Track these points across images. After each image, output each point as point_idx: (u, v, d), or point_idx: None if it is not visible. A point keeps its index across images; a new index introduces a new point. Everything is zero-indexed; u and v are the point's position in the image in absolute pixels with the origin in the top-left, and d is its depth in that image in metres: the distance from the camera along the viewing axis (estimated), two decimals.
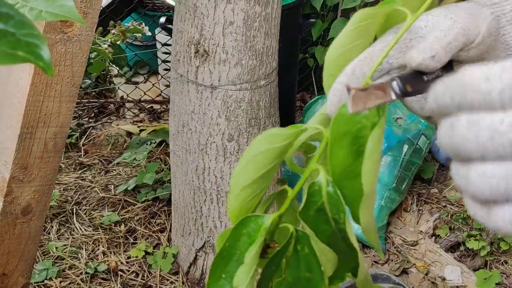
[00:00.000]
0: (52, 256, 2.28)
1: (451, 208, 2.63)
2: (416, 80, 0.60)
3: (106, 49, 2.33)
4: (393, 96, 0.57)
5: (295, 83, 2.93)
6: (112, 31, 2.54)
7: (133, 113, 3.34)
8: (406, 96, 0.59)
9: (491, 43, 0.64)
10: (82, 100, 3.29)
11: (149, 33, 3.00)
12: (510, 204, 0.45)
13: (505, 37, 0.67)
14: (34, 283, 2.17)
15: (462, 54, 0.64)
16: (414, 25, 0.63)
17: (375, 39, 0.64)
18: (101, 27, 2.58)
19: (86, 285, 2.18)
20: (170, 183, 2.30)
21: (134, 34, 2.79)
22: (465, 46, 0.62)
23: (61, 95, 1.34)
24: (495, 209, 0.45)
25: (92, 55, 2.59)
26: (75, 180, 2.71)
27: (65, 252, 2.30)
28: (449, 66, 0.65)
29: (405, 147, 2.54)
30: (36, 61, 0.48)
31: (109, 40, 2.44)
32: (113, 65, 3.15)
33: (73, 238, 2.38)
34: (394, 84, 0.58)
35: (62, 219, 2.48)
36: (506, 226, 0.45)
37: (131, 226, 2.45)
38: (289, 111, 2.87)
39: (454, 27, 0.60)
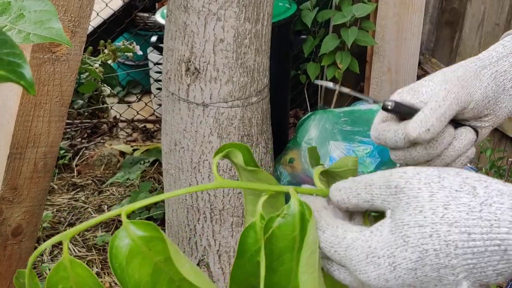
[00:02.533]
0: (45, 277, 2.26)
1: None
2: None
3: (96, 68, 2.33)
4: (388, 103, 0.66)
5: (288, 99, 2.93)
6: (103, 51, 2.54)
7: (126, 132, 3.33)
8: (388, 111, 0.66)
9: (491, 101, 0.68)
10: (75, 121, 3.28)
11: (140, 52, 3.00)
12: None
13: None
14: None
15: (458, 117, 0.68)
16: (417, 89, 0.67)
17: None
18: (91, 47, 2.58)
19: None
20: (164, 202, 2.28)
21: (126, 54, 2.79)
22: (460, 112, 0.66)
23: (50, 114, 1.33)
24: None
25: (84, 76, 2.59)
26: (68, 201, 2.69)
27: None
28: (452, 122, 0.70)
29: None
30: (18, 80, 0.47)
31: (100, 59, 2.44)
32: (105, 85, 3.15)
33: None
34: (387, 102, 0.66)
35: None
36: None
37: None
38: (282, 127, 2.87)
39: (447, 98, 0.64)
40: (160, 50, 2.65)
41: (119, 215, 0.55)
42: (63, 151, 3.01)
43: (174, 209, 2.14)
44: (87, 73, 2.59)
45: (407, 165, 0.65)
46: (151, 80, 3.45)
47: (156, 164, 2.86)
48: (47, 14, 0.58)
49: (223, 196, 2.03)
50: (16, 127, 1.29)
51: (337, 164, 0.62)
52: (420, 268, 0.49)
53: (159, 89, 3.40)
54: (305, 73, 2.98)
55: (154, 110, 3.46)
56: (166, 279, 0.55)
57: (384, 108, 0.67)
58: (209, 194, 2.04)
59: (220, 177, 0.58)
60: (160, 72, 3.26)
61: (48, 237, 2.47)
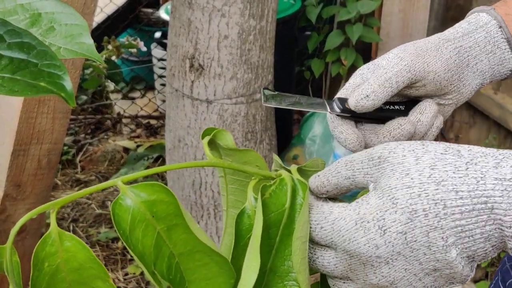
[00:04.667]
0: None
1: None
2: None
3: (100, 64, 2.32)
4: (329, 110, 0.65)
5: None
6: (107, 47, 2.53)
7: (130, 128, 3.33)
8: (348, 114, 0.64)
9: (454, 76, 0.67)
10: (79, 116, 3.28)
11: (144, 48, 3.00)
12: None
13: (478, 65, 0.68)
14: None
15: (414, 91, 0.67)
16: (378, 62, 0.66)
17: None
18: (95, 43, 2.57)
19: None
20: None
21: (130, 50, 2.78)
22: (413, 83, 0.65)
23: (54, 111, 1.32)
24: None
25: (88, 71, 2.59)
26: None
27: None
28: (413, 102, 0.69)
29: None
30: (58, 92, 0.47)
31: (104, 55, 2.43)
32: (109, 81, 3.14)
33: None
34: (334, 103, 0.65)
35: None
36: None
37: None
38: (286, 124, 2.86)
39: (398, 64, 0.63)
40: (164, 46, 2.64)
41: None
42: (67, 147, 3.01)
43: None
44: (91, 69, 2.58)
45: None
46: (155, 76, 3.44)
47: (160, 160, 2.85)
48: (79, 28, 0.55)
49: None
50: (20, 123, 1.28)
51: (308, 164, 0.61)
52: (410, 232, 0.48)
53: (163, 85, 3.39)
54: (310, 70, 2.98)
55: (158, 106, 3.45)
56: (167, 253, 0.52)
57: (344, 111, 0.65)
58: (213, 191, 2.03)
59: (212, 156, 0.57)
60: (164, 68, 3.25)
61: None
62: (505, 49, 0.70)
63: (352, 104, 0.63)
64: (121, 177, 0.52)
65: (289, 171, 0.58)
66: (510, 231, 0.46)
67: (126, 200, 0.51)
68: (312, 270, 0.56)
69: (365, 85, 0.63)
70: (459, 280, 0.50)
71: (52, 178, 1.41)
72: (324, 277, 0.58)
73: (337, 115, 0.66)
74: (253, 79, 1.93)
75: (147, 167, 2.81)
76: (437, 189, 0.48)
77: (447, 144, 0.51)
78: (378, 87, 0.62)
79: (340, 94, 0.67)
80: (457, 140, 2.97)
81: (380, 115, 0.67)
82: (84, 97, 3.32)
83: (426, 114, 0.67)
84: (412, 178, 0.49)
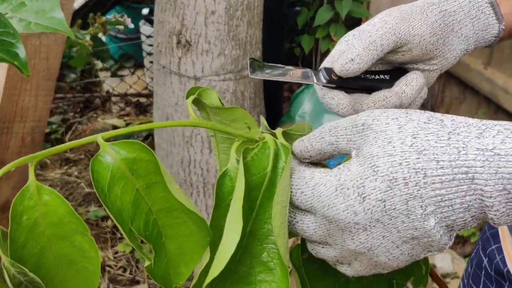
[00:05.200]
0: None
1: None
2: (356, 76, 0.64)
3: (86, 42, 2.30)
4: (315, 80, 0.64)
5: None
6: (93, 24, 2.50)
7: (119, 107, 3.31)
8: (334, 84, 0.64)
9: (440, 40, 0.66)
10: (67, 95, 3.26)
11: (131, 25, 2.97)
12: None
13: (462, 30, 0.68)
14: None
15: (400, 56, 0.66)
16: (363, 28, 0.66)
17: None
18: (80, 20, 2.54)
19: None
20: None
21: (117, 27, 2.75)
22: (399, 47, 0.64)
23: (37, 88, 1.30)
24: None
25: (75, 49, 2.56)
26: (61, 176, 2.68)
27: None
28: (398, 71, 0.68)
29: None
30: (11, 60, 0.45)
31: (90, 33, 2.40)
32: (96, 58, 3.12)
33: None
34: (320, 72, 0.64)
35: None
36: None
37: None
38: (276, 101, 2.84)
39: (382, 28, 0.63)
40: (152, 23, 2.61)
41: None
42: (56, 125, 2.99)
43: None
44: (78, 47, 2.55)
45: None
46: (144, 54, 3.41)
47: (149, 139, 2.84)
48: (50, 4, 0.55)
49: (216, 171, 2.02)
50: (3, 100, 1.27)
51: (294, 128, 0.60)
52: (389, 200, 0.48)
53: (152, 62, 3.36)
54: (300, 46, 2.96)
55: (147, 84, 3.43)
56: (145, 209, 0.52)
57: (330, 82, 0.64)
58: (201, 169, 2.02)
59: (195, 115, 0.56)
60: (152, 45, 3.22)
61: None
62: (489, 14, 0.69)
63: (337, 69, 0.62)
64: (102, 134, 0.51)
65: (274, 135, 0.58)
66: (490, 201, 0.46)
67: (106, 157, 0.50)
68: (292, 234, 0.55)
69: (350, 49, 0.62)
70: (436, 249, 0.50)
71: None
72: (304, 241, 0.58)
73: (324, 85, 0.65)
74: (241, 56, 1.91)
75: None
76: (418, 158, 0.48)
77: (431, 113, 0.51)
78: (363, 50, 0.62)
79: (326, 61, 0.66)
80: None
81: (365, 85, 0.66)
82: (73, 76, 3.29)
83: (412, 86, 0.66)
84: (394, 147, 0.49)
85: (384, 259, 0.51)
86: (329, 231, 0.52)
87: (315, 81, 0.65)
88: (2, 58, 0.44)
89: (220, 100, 0.58)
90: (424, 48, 0.66)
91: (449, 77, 2.90)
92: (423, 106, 2.95)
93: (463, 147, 0.47)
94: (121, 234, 2.37)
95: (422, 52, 0.66)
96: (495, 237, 0.90)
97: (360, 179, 0.49)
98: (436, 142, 0.48)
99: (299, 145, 0.56)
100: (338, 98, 0.64)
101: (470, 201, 0.47)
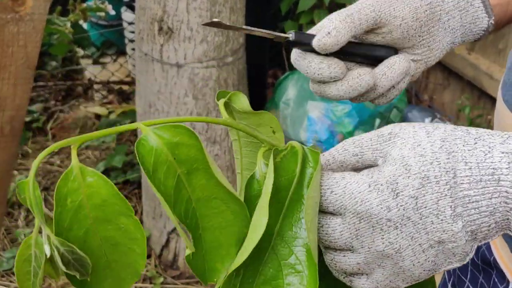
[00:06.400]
0: (20, 243, 2.23)
1: None
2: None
3: (66, 29, 2.26)
4: (288, 35, 0.63)
5: (265, 59, 2.88)
6: (73, 11, 2.47)
7: (101, 94, 3.27)
8: (301, 46, 0.63)
9: (423, 27, 0.66)
10: (48, 83, 3.21)
11: (113, 12, 2.93)
12: None
13: (450, 22, 0.68)
14: (2, 270, 2.12)
15: (380, 38, 0.65)
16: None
17: None
18: (60, 7, 2.50)
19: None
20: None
21: (98, 14, 2.71)
22: (378, 26, 0.64)
23: (16, 77, 1.28)
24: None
25: (55, 36, 2.52)
26: (43, 165, 2.65)
27: None
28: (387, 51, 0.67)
29: (377, 121, 2.52)
30: None
31: (70, 20, 2.37)
32: (77, 46, 3.07)
33: None
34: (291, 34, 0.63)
35: None
36: None
37: None
38: (260, 88, 2.83)
39: (362, 3, 0.63)
40: (134, 9, 2.58)
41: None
42: (37, 114, 2.95)
43: None
44: (58, 34, 2.52)
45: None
46: (126, 40, 3.37)
47: None
48: None
49: None
50: None
51: (233, 99, 0.60)
52: (421, 197, 0.49)
53: (135, 49, 3.33)
54: (283, 32, 2.93)
55: (130, 71, 3.39)
56: (185, 197, 0.52)
57: (288, 42, 0.63)
58: None
59: (227, 115, 0.56)
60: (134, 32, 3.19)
61: None
62: (478, 7, 0.69)
63: (315, 44, 0.61)
64: (143, 122, 0.51)
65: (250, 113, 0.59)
66: None
67: (150, 140, 0.50)
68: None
69: (327, 22, 0.62)
70: (458, 258, 0.51)
71: (17, 146, 1.37)
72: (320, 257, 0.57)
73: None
74: (224, 42, 1.89)
75: (119, 134, 2.77)
76: (448, 159, 0.49)
77: (455, 126, 0.53)
78: (340, 22, 0.61)
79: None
80: (431, 101, 2.96)
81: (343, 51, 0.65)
82: (54, 63, 3.25)
83: (394, 69, 0.66)
84: (424, 148, 0.50)
85: (409, 264, 0.51)
86: (357, 231, 0.52)
87: (281, 38, 0.64)
88: None
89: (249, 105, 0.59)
90: (405, 32, 0.65)
91: None
92: (407, 92, 2.95)
93: (489, 151, 0.49)
94: None
95: (404, 35, 0.65)
96: None
97: (393, 176, 0.50)
98: (463, 145, 0.50)
99: (320, 158, 0.56)
100: (327, 60, 0.63)
101: (495, 204, 0.48)
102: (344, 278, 0.55)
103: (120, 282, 0.54)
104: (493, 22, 0.70)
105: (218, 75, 1.91)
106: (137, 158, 0.50)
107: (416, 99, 3.00)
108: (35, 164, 0.50)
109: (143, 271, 0.53)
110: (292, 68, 3.10)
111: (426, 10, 0.66)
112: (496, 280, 0.84)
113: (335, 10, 0.63)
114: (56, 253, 0.49)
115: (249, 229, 0.52)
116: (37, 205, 0.49)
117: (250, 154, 0.62)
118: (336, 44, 0.61)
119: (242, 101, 0.59)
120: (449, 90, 2.86)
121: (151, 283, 2.14)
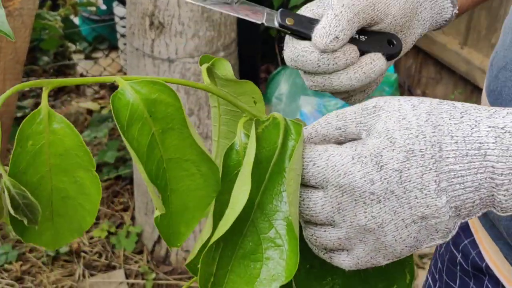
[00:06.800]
0: (11, 239, 2.22)
1: None
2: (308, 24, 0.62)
3: (56, 23, 2.24)
4: (263, 20, 0.62)
5: (258, 54, 2.87)
6: (66, 6, 2.45)
7: (93, 89, 3.26)
8: (286, 30, 0.62)
9: (406, 23, 0.66)
10: (40, 78, 3.20)
11: (103, 6, 2.91)
12: None
13: (422, 13, 0.68)
14: None
15: (373, 28, 0.65)
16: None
17: None
18: (50, 1, 2.48)
19: (48, 268, 2.12)
20: (132, 161, 2.24)
21: (89, 8, 2.69)
22: (375, 25, 0.63)
23: (5, 72, 1.27)
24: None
25: (46, 31, 2.50)
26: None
27: None
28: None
29: None
30: None
31: (60, 14, 2.35)
32: (68, 41, 3.06)
33: None
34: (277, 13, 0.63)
35: None
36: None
37: None
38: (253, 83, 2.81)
39: (363, 1, 0.61)
40: (125, 4, 2.57)
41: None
42: (28, 109, 2.93)
43: None
44: (49, 29, 2.50)
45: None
46: (118, 35, 3.36)
47: None
48: None
49: None
50: None
51: (217, 66, 0.60)
52: (406, 171, 0.48)
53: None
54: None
55: (122, 66, 3.38)
56: (157, 157, 0.50)
57: (284, 26, 0.61)
58: None
59: (209, 81, 0.54)
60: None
61: None
62: None
63: (321, 47, 0.60)
64: (121, 76, 0.49)
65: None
66: (501, 179, 0.46)
67: (126, 94, 0.48)
68: None
69: (334, 22, 0.60)
70: (441, 235, 0.50)
71: (6, 142, 1.36)
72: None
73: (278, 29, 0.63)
74: (216, 37, 1.88)
75: (111, 129, 2.76)
76: (434, 132, 0.48)
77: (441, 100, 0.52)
78: (347, 23, 0.60)
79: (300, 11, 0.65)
80: (424, 95, 2.96)
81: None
82: (46, 58, 3.23)
83: (365, 69, 0.64)
84: (409, 121, 0.49)
85: (391, 239, 0.50)
86: (339, 205, 0.50)
87: (263, 21, 0.63)
88: None
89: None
90: (393, 29, 0.65)
91: (426, 57, 2.89)
92: (400, 86, 2.95)
93: (475, 125, 0.48)
94: (97, 219, 2.34)
95: (389, 29, 0.65)
96: (466, 230, 0.88)
97: (378, 149, 0.49)
98: (449, 119, 0.49)
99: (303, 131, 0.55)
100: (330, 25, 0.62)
101: (481, 179, 0.47)
102: (324, 254, 0.54)
103: (60, 237, 0.52)
104: (456, 12, 0.70)
105: None
106: (112, 111, 0.48)
107: (409, 94, 3.00)
108: (3, 96, 0.48)
109: (87, 229, 0.52)
110: (284, 63, 3.09)
111: (410, 6, 0.65)
112: (489, 286, 0.83)
113: None
114: (6, 194, 0.47)
115: (230, 200, 0.50)
116: None
117: (229, 122, 0.61)
118: (341, 45, 0.61)
119: (226, 68, 0.57)
120: (442, 85, 2.86)
121: (143, 279, 2.13)
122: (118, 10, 3.21)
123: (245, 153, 0.52)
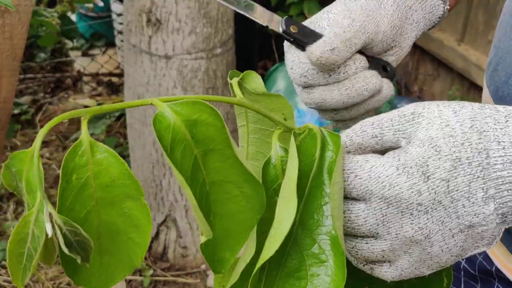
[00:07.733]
0: (9, 236, 2.22)
1: None
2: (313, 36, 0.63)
3: (54, 20, 2.24)
4: (270, 25, 0.65)
5: (255, 50, 2.87)
6: (63, 3, 2.44)
7: (91, 86, 3.26)
8: (288, 37, 0.63)
9: (398, 31, 0.65)
10: (37, 75, 3.19)
11: (101, 3, 2.91)
12: None
13: (413, 16, 0.68)
14: None
15: (367, 53, 0.65)
16: (317, 23, 0.64)
17: None
18: None
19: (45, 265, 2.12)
20: (129, 157, 2.24)
21: (86, 5, 2.69)
22: (369, 44, 0.64)
23: (2, 69, 1.27)
24: None
25: (44, 28, 2.50)
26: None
27: None
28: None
29: None
30: None
31: (57, 11, 2.35)
32: (65, 38, 3.06)
33: None
34: (282, 19, 0.64)
35: (19, 198, 2.41)
36: None
37: None
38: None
39: (353, 26, 0.62)
40: (122, 0, 2.57)
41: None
42: (26, 106, 2.93)
43: (140, 164, 2.10)
44: (46, 26, 2.50)
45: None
46: (115, 32, 3.35)
47: (122, 119, 2.80)
48: None
49: None
50: None
51: (247, 81, 0.58)
52: (453, 180, 0.47)
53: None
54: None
55: (119, 63, 3.38)
56: (200, 180, 0.48)
57: (287, 33, 0.63)
58: None
59: (242, 95, 0.53)
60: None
61: (12, 194, 2.42)
62: None
63: (316, 54, 0.61)
64: (157, 98, 0.48)
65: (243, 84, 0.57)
66: None
67: (166, 116, 0.47)
68: None
69: (325, 39, 0.61)
70: (486, 242, 0.49)
71: (3, 138, 1.35)
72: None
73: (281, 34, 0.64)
74: (213, 34, 1.88)
75: (109, 126, 2.76)
76: (480, 139, 0.47)
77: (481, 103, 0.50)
78: (341, 44, 0.61)
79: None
80: (421, 92, 2.96)
81: None
82: (43, 55, 3.23)
83: (357, 86, 0.64)
84: (453, 128, 0.48)
85: (437, 250, 0.49)
86: (384, 217, 0.49)
87: (268, 23, 0.65)
88: None
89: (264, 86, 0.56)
90: (385, 43, 0.65)
91: (423, 54, 2.89)
92: (397, 83, 2.95)
93: None
94: None
95: (383, 47, 0.65)
96: None
97: (423, 158, 0.48)
98: (495, 124, 0.47)
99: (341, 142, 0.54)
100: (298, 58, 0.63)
101: None
102: (364, 266, 0.53)
103: (110, 276, 0.50)
104: (448, 8, 0.70)
105: (207, 66, 1.91)
106: (155, 134, 0.47)
107: (406, 91, 3.00)
108: (41, 133, 0.45)
109: (139, 265, 0.48)
110: (281, 59, 3.09)
111: (398, 14, 0.65)
112: (500, 287, 0.82)
113: (324, 2, 0.63)
114: (58, 232, 0.44)
115: (275, 218, 0.48)
116: (40, 178, 0.44)
117: (258, 142, 0.59)
118: (336, 61, 0.61)
119: (256, 81, 0.56)
120: (439, 81, 2.86)
121: (140, 275, 2.13)
122: (115, 7, 3.21)
123: (282, 166, 0.51)
